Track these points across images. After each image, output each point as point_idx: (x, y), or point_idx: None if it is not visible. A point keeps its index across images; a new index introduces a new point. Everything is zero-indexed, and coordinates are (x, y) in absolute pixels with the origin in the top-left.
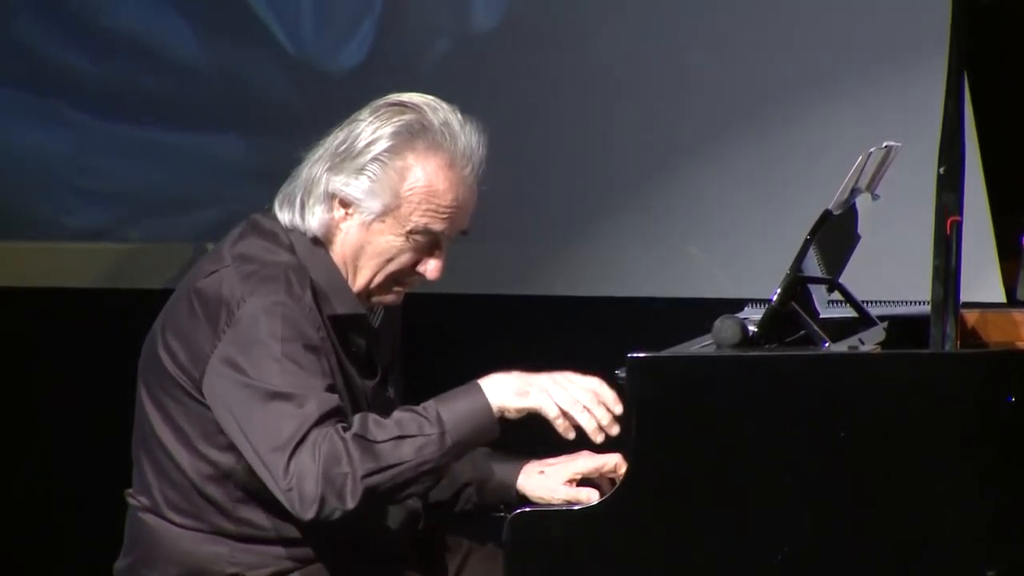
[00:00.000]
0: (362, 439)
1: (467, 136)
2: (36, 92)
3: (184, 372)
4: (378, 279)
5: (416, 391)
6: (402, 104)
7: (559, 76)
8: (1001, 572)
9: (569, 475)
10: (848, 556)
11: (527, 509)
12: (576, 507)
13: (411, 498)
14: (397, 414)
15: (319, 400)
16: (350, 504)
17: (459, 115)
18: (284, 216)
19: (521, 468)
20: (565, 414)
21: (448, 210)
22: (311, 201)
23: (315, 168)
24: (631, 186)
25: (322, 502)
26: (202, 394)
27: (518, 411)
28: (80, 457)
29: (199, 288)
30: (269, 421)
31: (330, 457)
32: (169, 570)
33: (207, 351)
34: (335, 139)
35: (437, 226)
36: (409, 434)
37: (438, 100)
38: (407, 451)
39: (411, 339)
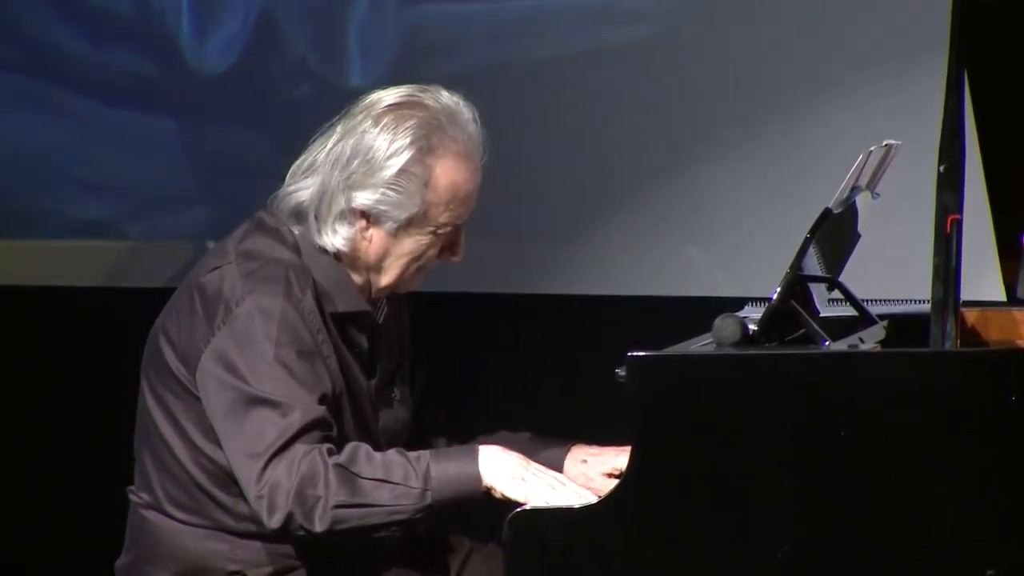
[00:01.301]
0: (345, 470)
1: (465, 118)
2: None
3: (182, 365)
4: (407, 274)
5: None
6: (400, 106)
7: (560, 75)
8: (1001, 572)
9: (609, 468)
10: (848, 556)
11: (527, 508)
12: (576, 506)
13: (381, 540)
14: (392, 455)
15: (303, 411)
16: (317, 528)
17: (448, 94)
18: (296, 230)
19: (567, 452)
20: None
21: (469, 198)
22: (330, 219)
23: (325, 183)
24: (631, 186)
25: (289, 517)
26: (197, 388)
27: (503, 496)
28: (80, 456)
29: (201, 283)
30: (251, 426)
31: (307, 477)
32: (170, 567)
33: (200, 346)
34: (340, 152)
35: (462, 218)
36: (392, 480)
37: (422, 86)
38: (385, 496)
39: (412, 339)
